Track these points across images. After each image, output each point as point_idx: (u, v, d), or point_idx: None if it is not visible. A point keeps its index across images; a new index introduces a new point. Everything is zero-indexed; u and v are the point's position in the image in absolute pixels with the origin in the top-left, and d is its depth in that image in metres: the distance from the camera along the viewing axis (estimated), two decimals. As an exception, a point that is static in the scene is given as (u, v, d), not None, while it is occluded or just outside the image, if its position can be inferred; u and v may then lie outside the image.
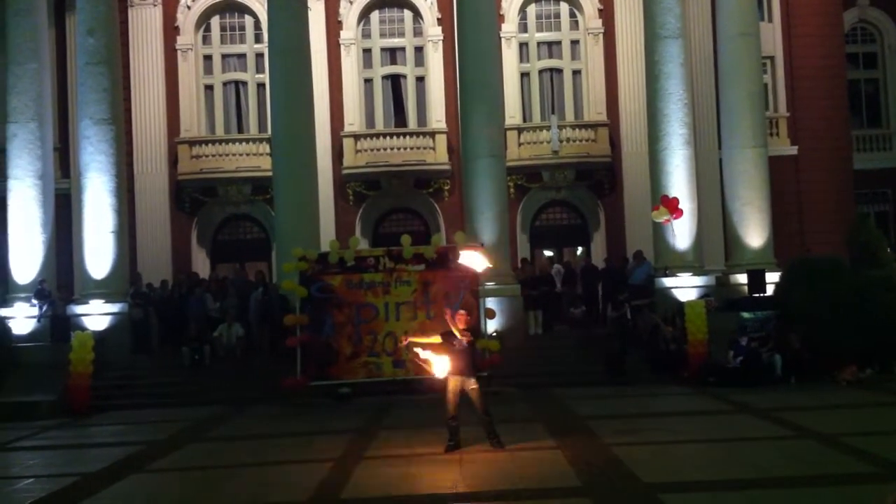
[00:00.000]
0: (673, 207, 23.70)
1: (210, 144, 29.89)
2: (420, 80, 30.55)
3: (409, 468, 12.77)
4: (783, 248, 25.66)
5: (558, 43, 30.61)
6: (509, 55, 29.62)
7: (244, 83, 30.68)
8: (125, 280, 24.61)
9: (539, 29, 30.59)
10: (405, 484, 11.82)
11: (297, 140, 24.42)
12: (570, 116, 30.23)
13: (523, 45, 30.45)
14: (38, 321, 23.38)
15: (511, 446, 13.65)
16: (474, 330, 14.93)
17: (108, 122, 24.08)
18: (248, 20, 30.61)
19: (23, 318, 23.51)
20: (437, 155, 29.70)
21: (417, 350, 14.17)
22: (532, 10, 30.52)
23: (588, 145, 29.56)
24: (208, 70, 30.64)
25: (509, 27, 29.90)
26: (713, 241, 26.76)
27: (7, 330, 23.26)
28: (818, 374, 20.31)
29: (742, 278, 23.90)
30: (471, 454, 13.38)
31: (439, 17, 30.02)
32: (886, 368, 20.69)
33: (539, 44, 30.59)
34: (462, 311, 14.71)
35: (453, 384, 13.67)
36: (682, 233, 24.26)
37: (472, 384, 13.69)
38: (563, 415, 17.43)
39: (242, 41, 30.74)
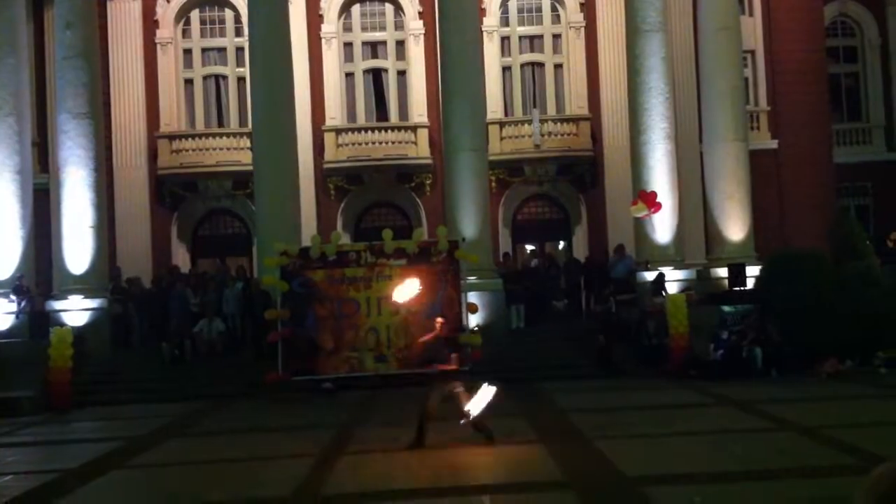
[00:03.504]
0: (651, 202, 23.70)
1: (190, 139, 29.70)
2: (401, 73, 30.44)
3: (391, 463, 12.74)
4: (764, 242, 25.76)
5: (540, 37, 30.57)
6: (491, 49, 29.51)
7: (224, 77, 30.50)
8: (105, 275, 24.46)
9: (521, 23, 30.53)
10: (387, 479, 11.79)
11: (277, 134, 24.31)
12: (551, 110, 30.20)
13: (505, 39, 30.38)
14: (17, 317, 23.20)
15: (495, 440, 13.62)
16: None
17: (86, 117, 23.93)
18: (229, 14, 30.42)
19: (1, 314, 23.32)
20: (419, 149, 29.60)
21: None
22: (513, 3, 30.45)
23: (570, 139, 29.54)
24: (188, 64, 30.44)
25: (491, 21, 29.82)
26: (694, 235, 26.81)
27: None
28: (799, 366, 20.42)
29: (723, 272, 24.01)
30: (453, 449, 13.34)
31: (420, 10, 29.91)
32: (866, 361, 20.79)
33: (521, 38, 30.52)
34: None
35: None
36: (662, 227, 24.33)
37: (457, 386, 13.55)
38: (546, 409, 17.43)
39: (223, 35, 30.54)
